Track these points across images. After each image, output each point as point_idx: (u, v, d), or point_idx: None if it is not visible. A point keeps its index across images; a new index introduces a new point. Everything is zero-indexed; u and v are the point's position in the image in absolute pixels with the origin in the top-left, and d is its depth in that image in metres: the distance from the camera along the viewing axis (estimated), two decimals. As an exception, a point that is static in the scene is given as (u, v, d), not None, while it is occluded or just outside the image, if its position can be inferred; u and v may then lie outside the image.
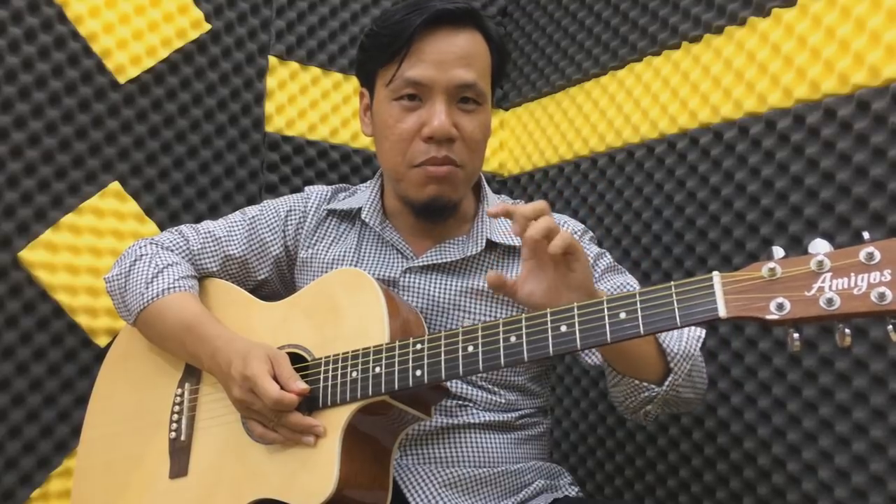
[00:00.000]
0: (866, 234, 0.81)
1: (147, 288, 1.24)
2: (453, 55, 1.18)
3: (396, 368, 1.03)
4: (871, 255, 0.78)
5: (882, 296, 0.76)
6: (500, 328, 0.98)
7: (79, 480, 1.30)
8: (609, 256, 1.31)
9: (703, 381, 1.19)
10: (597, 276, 1.27)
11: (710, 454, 1.44)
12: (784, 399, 1.32)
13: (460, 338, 1.01)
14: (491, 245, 1.27)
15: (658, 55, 1.65)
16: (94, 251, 1.53)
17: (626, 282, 1.27)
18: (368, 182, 1.39)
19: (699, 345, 1.14)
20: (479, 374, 1.21)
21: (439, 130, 1.17)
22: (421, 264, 1.26)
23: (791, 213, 1.33)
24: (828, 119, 1.28)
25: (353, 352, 1.07)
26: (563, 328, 0.94)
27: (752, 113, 1.42)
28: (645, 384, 1.11)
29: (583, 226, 1.34)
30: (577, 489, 1.29)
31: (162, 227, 1.60)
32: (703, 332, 1.16)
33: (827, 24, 1.29)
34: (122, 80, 1.57)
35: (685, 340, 1.12)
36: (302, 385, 1.06)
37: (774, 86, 1.38)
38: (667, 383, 1.11)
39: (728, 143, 1.46)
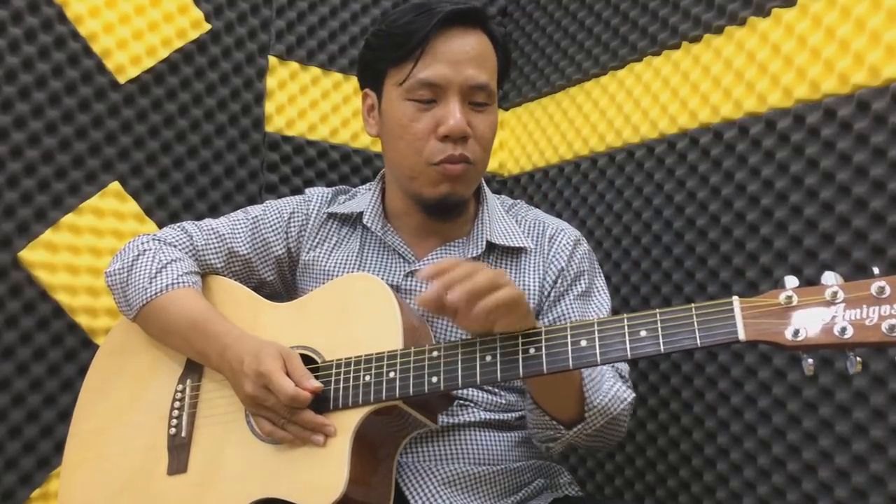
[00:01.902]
0: (876, 269, 0.86)
1: (150, 283, 1.24)
2: (466, 55, 1.19)
3: (412, 374, 1.03)
4: (882, 289, 0.83)
5: (892, 328, 0.82)
6: (520, 340, 0.99)
7: (68, 474, 1.28)
8: (587, 279, 1.29)
9: (617, 436, 1.19)
10: (562, 300, 1.27)
11: (710, 454, 1.44)
12: (784, 399, 1.32)
13: (478, 347, 1.01)
14: (491, 247, 1.27)
15: (658, 55, 1.65)
16: (94, 251, 1.53)
17: (587, 312, 1.27)
18: (368, 185, 1.39)
19: (623, 407, 1.14)
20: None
21: (455, 129, 1.18)
22: (422, 268, 1.25)
23: (791, 214, 1.33)
24: (828, 119, 1.28)
25: (366, 356, 1.08)
26: (584, 343, 0.95)
27: (752, 113, 1.42)
28: (554, 423, 1.13)
29: (577, 234, 1.33)
30: (576, 489, 1.29)
31: (162, 228, 1.60)
32: (633, 397, 1.18)
33: (827, 24, 1.29)
34: (122, 80, 1.57)
35: (610, 398, 1.13)
36: (315, 383, 1.06)
37: (774, 86, 1.38)
38: (574, 430, 1.12)
39: (728, 143, 1.46)
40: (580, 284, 1.28)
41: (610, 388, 1.14)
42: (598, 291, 1.31)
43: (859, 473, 1.20)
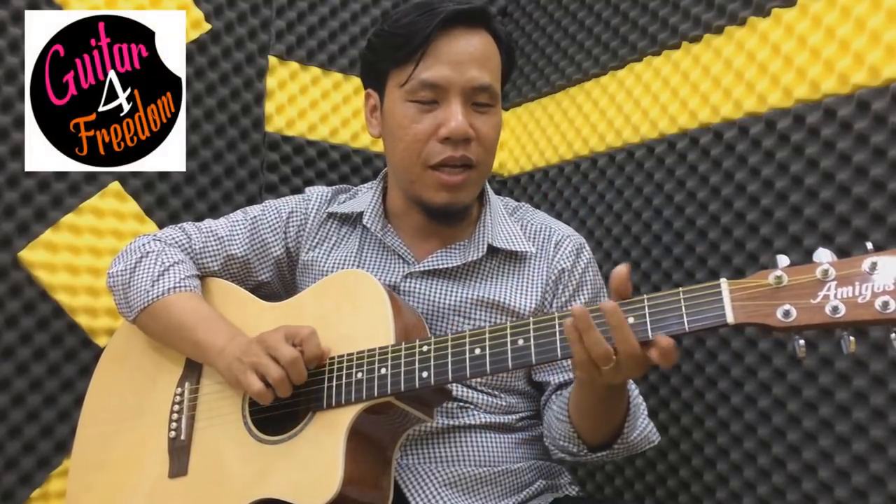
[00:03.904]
0: (870, 244, 0.83)
1: (153, 286, 1.24)
2: (469, 56, 1.18)
3: (403, 370, 1.03)
4: (874, 265, 0.80)
5: (886, 304, 0.79)
6: (508, 331, 0.99)
7: (74, 479, 1.29)
8: (590, 288, 1.29)
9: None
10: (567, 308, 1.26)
11: (710, 454, 1.44)
12: (784, 399, 1.32)
13: (467, 340, 1.01)
14: (492, 250, 1.27)
15: (658, 55, 1.65)
16: (94, 251, 1.53)
17: None
18: (370, 184, 1.39)
19: (647, 448, 1.18)
20: (482, 378, 1.21)
21: (457, 131, 1.16)
22: (422, 269, 1.25)
23: (791, 214, 1.33)
24: (828, 119, 1.28)
25: (357, 353, 1.08)
26: None
27: (752, 113, 1.42)
28: (580, 442, 1.13)
29: (582, 241, 1.33)
30: (577, 489, 1.29)
31: (162, 228, 1.60)
32: (658, 441, 1.20)
33: (827, 24, 1.29)
34: (122, 80, 1.58)
35: (642, 437, 1.16)
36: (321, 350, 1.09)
37: (774, 86, 1.38)
38: (597, 455, 1.14)
39: (728, 143, 1.46)
40: (583, 294, 1.28)
41: (644, 425, 1.16)
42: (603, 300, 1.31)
43: (859, 473, 1.20)
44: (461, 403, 1.22)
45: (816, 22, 1.31)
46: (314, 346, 1.08)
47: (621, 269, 0.93)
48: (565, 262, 1.27)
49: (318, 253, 1.33)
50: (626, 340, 0.91)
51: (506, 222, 1.30)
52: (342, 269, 1.29)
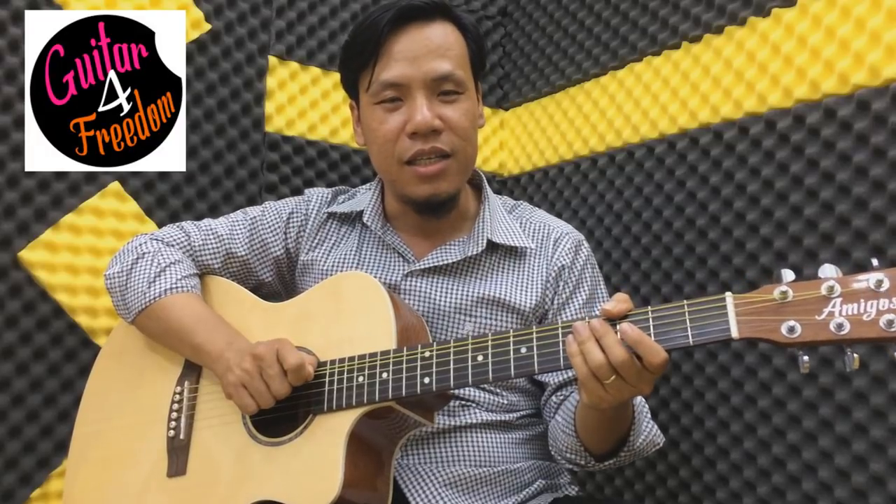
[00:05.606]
0: (875, 261, 0.83)
1: (149, 288, 1.24)
2: (425, 49, 1.18)
3: (404, 375, 1.03)
4: (880, 283, 0.80)
5: (891, 322, 0.79)
6: (511, 339, 0.99)
7: (71, 477, 1.29)
8: (589, 285, 1.29)
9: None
10: (567, 308, 1.26)
11: (710, 454, 1.44)
12: (784, 399, 1.31)
13: (470, 347, 1.01)
14: (492, 246, 1.27)
15: (658, 55, 1.65)
16: (94, 251, 1.53)
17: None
18: (368, 185, 1.39)
19: (652, 451, 1.19)
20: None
21: (422, 124, 1.16)
22: (422, 267, 1.25)
23: (791, 214, 1.33)
24: (828, 119, 1.28)
25: (359, 356, 1.08)
26: None
27: (752, 113, 1.42)
28: (587, 454, 1.14)
29: (581, 238, 1.33)
30: (576, 489, 1.29)
31: (162, 228, 1.60)
32: (663, 442, 1.21)
33: (827, 24, 1.29)
34: (122, 80, 1.58)
35: (648, 441, 1.16)
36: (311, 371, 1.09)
37: (774, 86, 1.38)
38: (605, 464, 1.14)
39: (728, 143, 1.46)
40: (583, 291, 1.28)
41: (648, 428, 1.16)
42: (601, 300, 1.31)
43: (859, 473, 1.20)
44: (462, 401, 1.22)
45: (816, 22, 1.31)
46: (302, 377, 1.08)
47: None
48: (565, 259, 1.27)
49: (318, 253, 1.33)
50: (651, 351, 0.90)
51: (504, 219, 1.30)
52: (342, 267, 1.29)
